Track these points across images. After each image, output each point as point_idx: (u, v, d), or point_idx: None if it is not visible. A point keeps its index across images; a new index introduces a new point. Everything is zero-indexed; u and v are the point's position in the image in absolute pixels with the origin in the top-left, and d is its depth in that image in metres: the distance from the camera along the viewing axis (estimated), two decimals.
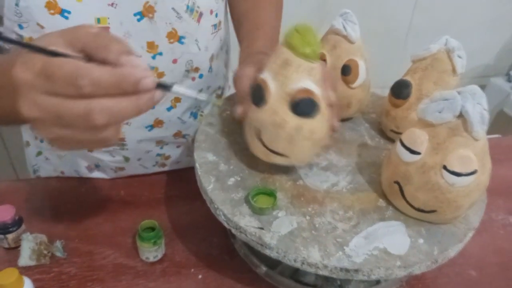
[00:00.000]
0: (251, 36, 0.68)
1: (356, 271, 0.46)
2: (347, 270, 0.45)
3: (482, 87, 1.75)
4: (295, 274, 0.57)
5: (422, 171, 0.47)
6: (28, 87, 0.35)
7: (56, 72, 0.34)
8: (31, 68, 0.35)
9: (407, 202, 0.50)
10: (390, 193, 0.53)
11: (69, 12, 0.55)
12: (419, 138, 0.48)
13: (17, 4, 0.54)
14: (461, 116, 0.45)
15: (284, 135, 0.49)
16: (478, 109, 0.44)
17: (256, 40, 0.67)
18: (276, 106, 0.49)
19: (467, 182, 0.46)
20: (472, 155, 0.46)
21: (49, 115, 0.35)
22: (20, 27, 0.56)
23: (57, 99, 0.35)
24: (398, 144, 0.50)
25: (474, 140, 0.46)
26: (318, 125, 0.50)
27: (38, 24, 0.55)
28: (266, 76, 0.50)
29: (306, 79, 0.49)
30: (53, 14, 0.54)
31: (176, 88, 0.39)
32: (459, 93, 0.45)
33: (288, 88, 0.49)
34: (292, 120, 0.49)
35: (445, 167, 0.46)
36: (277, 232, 0.48)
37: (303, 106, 0.48)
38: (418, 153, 0.48)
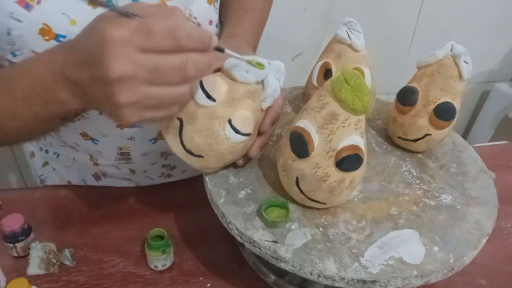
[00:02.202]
0: (238, 17, 0.68)
1: (373, 282, 0.45)
2: (364, 282, 0.45)
3: (487, 92, 1.74)
4: (303, 283, 0.57)
5: (209, 117, 0.48)
6: (124, 43, 0.36)
7: (155, 27, 0.36)
8: (126, 26, 0.36)
9: (181, 140, 0.50)
10: (166, 128, 0.51)
11: (64, 37, 0.54)
12: (220, 87, 0.48)
13: (9, 34, 0.52)
14: (261, 84, 0.49)
15: (325, 187, 0.48)
16: (276, 83, 0.50)
17: (242, 23, 0.67)
18: (319, 160, 0.47)
19: (239, 140, 0.50)
20: (253, 119, 0.50)
21: (144, 70, 0.37)
22: (13, 55, 0.55)
23: (154, 54, 0.37)
24: (198, 86, 0.49)
25: (261, 108, 0.51)
26: (359, 173, 0.49)
27: (32, 51, 0.54)
28: (310, 127, 0.47)
29: (353, 133, 0.47)
30: (47, 40, 0.53)
31: (227, 51, 0.44)
32: (268, 63, 0.50)
33: (334, 143, 0.46)
34: (335, 174, 0.47)
35: (230, 121, 0.49)
36: (292, 245, 0.48)
37: (349, 163, 0.47)
38: (214, 100, 0.48)
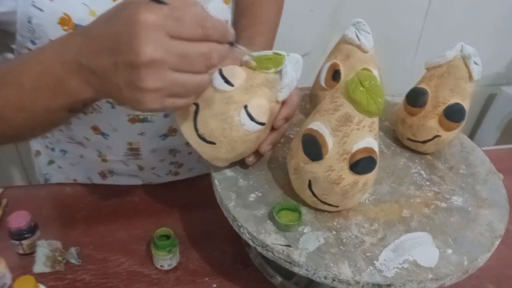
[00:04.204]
0: (255, 28, 0.70)
1: (389, 286, 0.45)
2: (379, 286, 0.45)
3: (493, 95, 1.74)
4: (310, 284, 0.56)
5: (226, 102, 0.49)
6: (156, 28, 0.36)
7: (185, 15, 0.37)
8: (158, 11, 0.36)
9: (195, 125, 0.50)
10: (181, 113, 0.51)
11: None
12: (238, 73, 0.50)
13: (29, 22, 0.53)
14: (279, 73, 0.50)
15: (338, 190, 0.48)
16: (294, 75, 0.51)
17: (259, 34, 0.69)
18: (333, 162, 0.47)
19: (253, 129, 0.50)
20: (268, 109, 0.50)
21: (173, 56, 0.37)
22: (33, 43, 0.55)
23: (182, 41, 0.38)
24: (216, 72, 0.49)
25: (276, 99, 0.51)
26: (371, 176, 0.49)
27: (51, 40, 0.54)
28: (323, 129, 0.47)
29: (367, 135, 0.46)
30: (66, 30, 0.54)
31: (239, 46, 0.46)
32: (287, 55, 0.51)
33: (348, 146, 0.46)
34: (349, 177, 0.47)
35: (245, 107, 0.49)
36: (305, 249, 0.47)
37: (363, 166, 0.46)
38: (232, 85, 0.49)
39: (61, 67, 0.41)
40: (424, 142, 0.61)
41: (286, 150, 0.60)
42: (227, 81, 0.49)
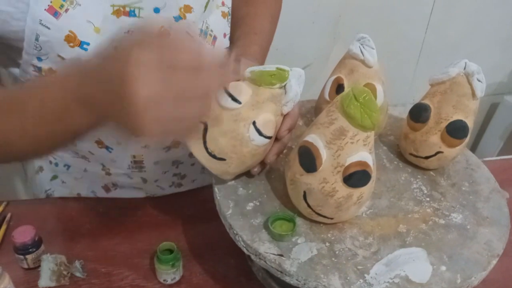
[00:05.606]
0: (248, 38, 0.71)
1: None
2: None
3: (496, 104, 1.72)
4: None
5: (234, 120, 0.50)
6: (151, 64, 0.36)
7: (180, 49, 0.38)
8: (150, 50, 0.37)
9: (205, 143, 0.50)
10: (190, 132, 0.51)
11: (88, 44, 0.56)
12: (244, 90, 0.50)
13: (36, 39, 0.55)
14: (283, 88, 0.52)
15: (332, 202, 0.48)
16: (298, 89, 0.52)
17: (252, 44, 0.70)
18: (327, 174, 0.48)
19: (262, 143, 0.51)
20: (275, 122, 0.52)
21: (172, 90, 0.37)
22: (39, 59, 0.57)
23: (182, 72, 0.38)
24: (222, 91, 0.50)
25: (281, 112, 0.53)
26: (367, 189, 0.49)
27: (58, 55, 0.56)
28: (318, 142, 0.48)
29: (361, 149, 0.47)
30: (72, 46, 0.55)
31: (244, 60, 0.50)
32: (291, 69, 0.52)
33: (342, 159, 0.47)
34: (343, 189, 0.48)
35: (254, 123, 0.50)
36: (297, 259, 0.48)
37: (357, 179, 0.47)
38: (239, 102, 0.50)
39: (64, 94, 0.42)
40: (427, 157, 0.61)
41: (287, 161, 0.61)
42: (234, 99, 0.49)
